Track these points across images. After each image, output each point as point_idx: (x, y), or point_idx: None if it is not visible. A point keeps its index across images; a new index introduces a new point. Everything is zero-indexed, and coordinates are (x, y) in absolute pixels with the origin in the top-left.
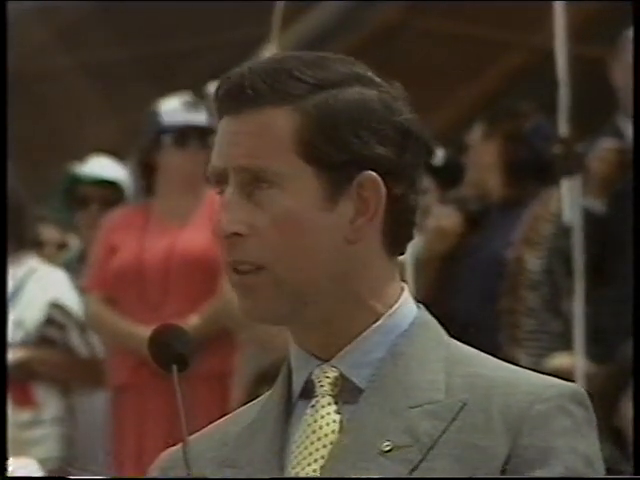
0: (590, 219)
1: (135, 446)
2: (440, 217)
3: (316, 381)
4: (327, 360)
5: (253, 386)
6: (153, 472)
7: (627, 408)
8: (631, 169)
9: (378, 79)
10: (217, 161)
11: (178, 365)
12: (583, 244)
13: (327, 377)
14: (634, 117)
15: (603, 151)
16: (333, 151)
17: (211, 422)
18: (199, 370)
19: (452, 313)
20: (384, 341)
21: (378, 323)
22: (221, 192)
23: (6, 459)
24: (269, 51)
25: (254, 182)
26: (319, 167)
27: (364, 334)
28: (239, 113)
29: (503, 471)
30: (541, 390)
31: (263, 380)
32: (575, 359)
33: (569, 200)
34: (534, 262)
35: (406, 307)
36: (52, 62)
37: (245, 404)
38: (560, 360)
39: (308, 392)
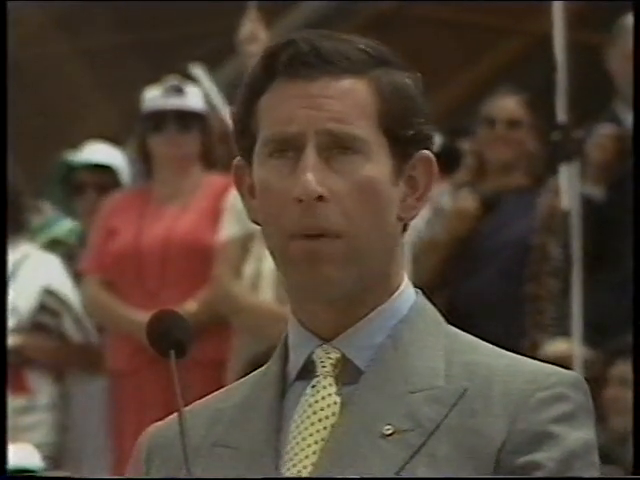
0: (588, 205)
1: (133, 431)
2: (458, 200)
3: (318, 361)
4: (328, 340)
5: (248, 372)
6: (140, 448)
7: (609, 392)
8: (629, 155)
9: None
10: (289, 126)
11: (176, 351)
12: (581, 230)
13: (329, 358)
14: (634, 105)
15: (601, 138)
16: (403, 125)
17: None
18: (195, 356)
19: (468, 295)
20: (386, 325)
21: (383, 306)
22: (279, 156)
23: (6, 458)
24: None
25: (333, 147)
26: (392, 140)
27: (369, 316)
28: (315, 78)
29: (499, 455)
30: (543, 378)
31: (258, 366)
32: (573, 345)
33: (567, 186)
34: (556, 250)
35: (407, 292)
36: (50, 48)
37: None
38: (555, 346)
39: (307, 372)
